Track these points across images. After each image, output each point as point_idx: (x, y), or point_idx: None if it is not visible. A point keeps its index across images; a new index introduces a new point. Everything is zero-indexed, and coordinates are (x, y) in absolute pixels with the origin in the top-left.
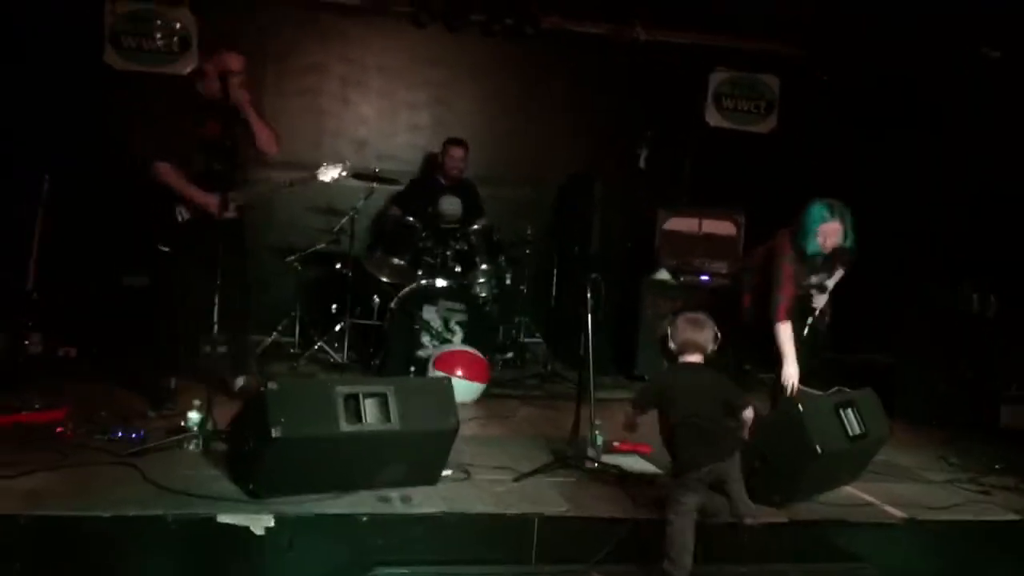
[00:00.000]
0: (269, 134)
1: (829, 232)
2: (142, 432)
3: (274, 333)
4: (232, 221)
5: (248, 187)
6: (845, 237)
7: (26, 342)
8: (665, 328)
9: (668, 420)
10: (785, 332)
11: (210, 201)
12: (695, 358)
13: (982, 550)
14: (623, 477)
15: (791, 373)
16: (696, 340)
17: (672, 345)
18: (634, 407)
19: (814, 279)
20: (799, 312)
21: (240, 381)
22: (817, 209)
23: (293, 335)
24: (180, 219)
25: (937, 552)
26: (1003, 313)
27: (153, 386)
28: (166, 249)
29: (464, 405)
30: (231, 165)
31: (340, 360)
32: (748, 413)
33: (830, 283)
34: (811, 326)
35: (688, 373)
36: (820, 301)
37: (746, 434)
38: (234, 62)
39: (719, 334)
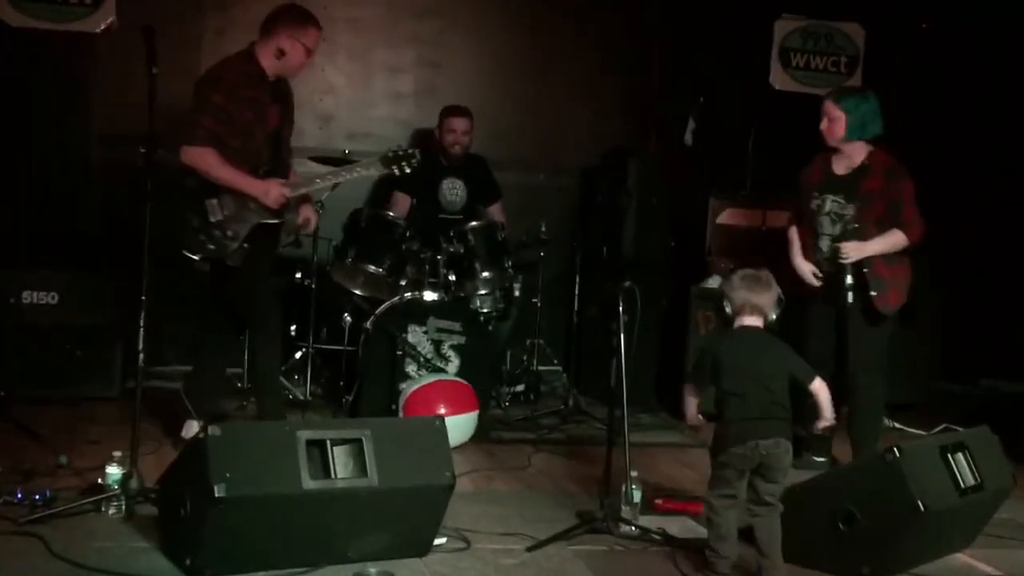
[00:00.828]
0: None
1: (825, 113)
2: (48, 492)
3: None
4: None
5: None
6: (850, 128)
7: None
8: (722, 286)
9: (717, 392)
10: (791, 233)
11: (271, 190)
12: (754, 321)
13: None
14: (668, 544)
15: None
16: (755, 301)
17: (727, 306)
18: (690, 385)
19: (828, 200)
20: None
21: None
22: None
23: (241, 365)
24: (213, 219)
25: None
26: None
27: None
28: (194, 257)
29: (458, 450)
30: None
31: (302, 396)
32: (818, 386)
33: (850, 212)
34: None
35: (744, 338)
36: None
37: (821, 420)
38: (316, 39)
39: (783, 297)
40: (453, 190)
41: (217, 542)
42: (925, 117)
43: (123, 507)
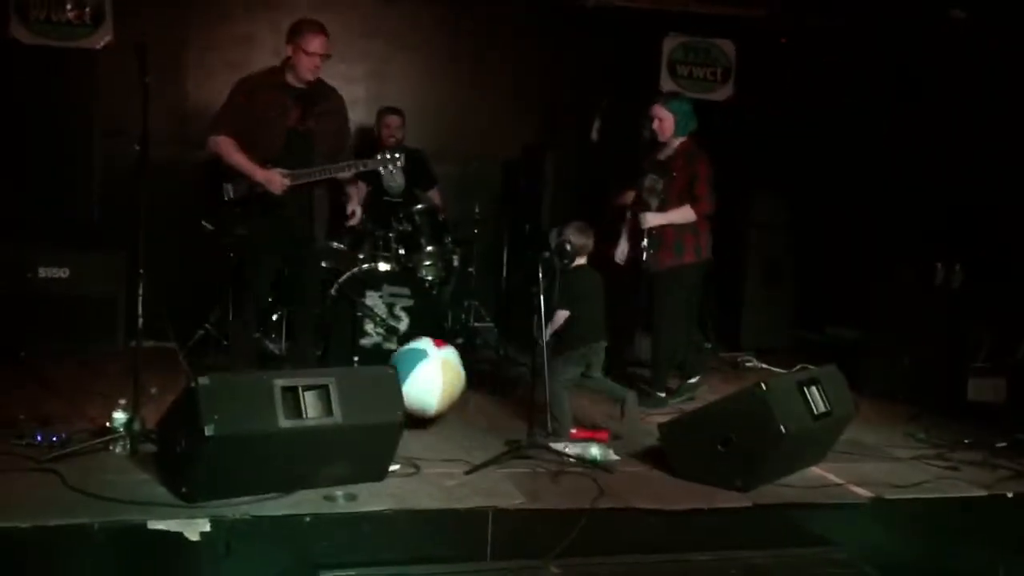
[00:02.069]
0: None
1: (654, 115)
2: (64, 435)
3: (205, 326)
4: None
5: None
6: (677, 126)
7: None
8: (565, 233)
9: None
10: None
11: (272, 177)
12: (584, 260)
13: (951, 527)
14: (580, 464)
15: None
16: (587, 244)
17: (570, 249)
18: (562, 308)
19: (647, 180)
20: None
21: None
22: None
23: (225, 327)
24: (227, 198)
25: (906, 530)
26: (969, 284)
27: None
28: (210, 227)
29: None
30: (308, 155)
31: (278, 352)
32: None
33: (660, 186)
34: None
35: (586, 273)
36: (652, 217)
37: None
38: (322, 45)
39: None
40: (392, 177)
41: (207, 473)
42: (785, 113)
43: (128, 446)
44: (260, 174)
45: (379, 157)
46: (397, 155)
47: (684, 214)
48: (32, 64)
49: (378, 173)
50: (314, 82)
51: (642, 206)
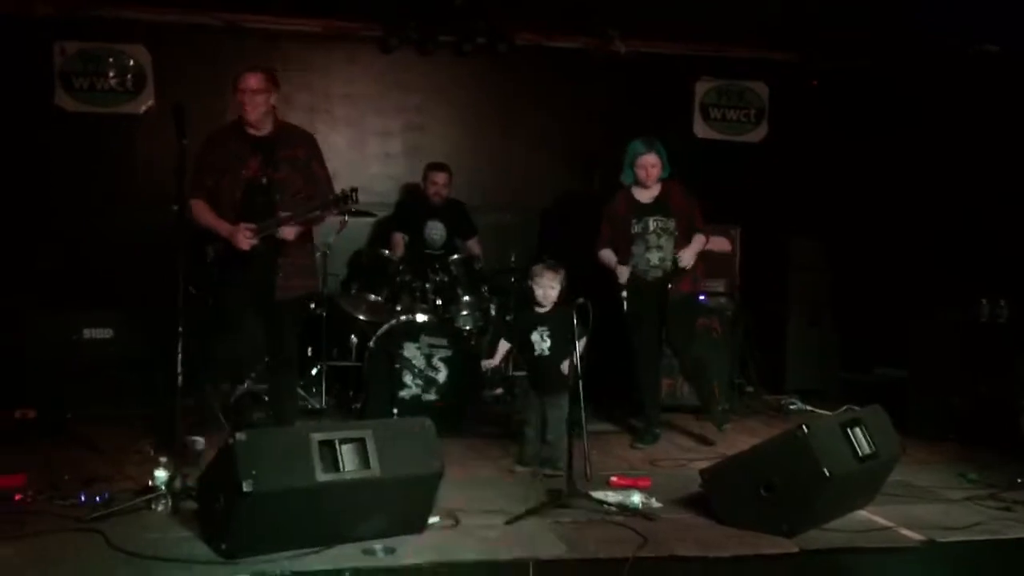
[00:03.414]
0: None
1: (646, 163)
2: (106, 495)
3: (247, 381)
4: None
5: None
6: (664, 169)
7: None
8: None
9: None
10: (603, 255)
11: (237, 234)
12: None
13: (1007, 569)
14: (622, 512)
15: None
16: (541, 281)
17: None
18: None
19: (651, 222)
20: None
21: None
22: (634, 144)
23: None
24: (208, 258)
25: (960, 574)
26: (1016, 319)
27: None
28: (194, 291)
29: (447, 445)
30: (269, 207)
31: (318, 406)
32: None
33: (672, 226)
34: (667, 272)
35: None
36: (666, 244)
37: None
38: (247, 80)
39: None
40: (435, 230)
41: (246, 529)
42: (820, 154)
43: (169, 504)
44: (224, 229)
45: (333, 198)
46: (350, 189)
47: (702, 241)
48: (77, 131)
49: (421, 226)
50: (276, 129)
51: (644, 244)
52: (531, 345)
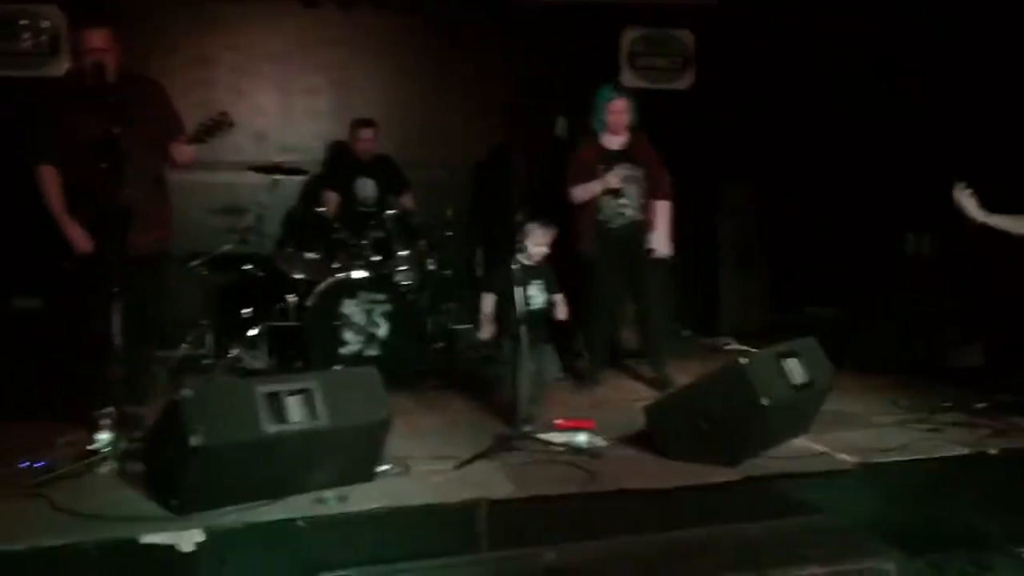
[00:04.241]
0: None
1: (617, 109)
2: (49, 460)
3: (184, 346)
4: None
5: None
6: (632, 115)
7: None
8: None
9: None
10: (577, 191)
11: (75, 235)
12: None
13: (937, 487)
14: (569, 454)
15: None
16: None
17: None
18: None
19: (619, 169)
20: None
21: (139, 412)
22: (605, 90)
23: (205, 346)
24: (67, 270)
25: (894, 494)
26: (941, 252)
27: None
28: (68, 266)
29: (394, 398)
30: (118, 163)
31: (260, 366)
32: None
33: (640, 174)
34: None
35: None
36: (633, 193)
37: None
38: (93, 38)
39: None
40: (365, 186)
41: (196, 484)
42: (746, 99)
43: (114, 465)
44: (65, 226)
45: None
46: (218, 115)
47: (669, 213)
48: None
49: (351, 183)
50: (120, 80)
51: (616, 194)
52: (529, 298)
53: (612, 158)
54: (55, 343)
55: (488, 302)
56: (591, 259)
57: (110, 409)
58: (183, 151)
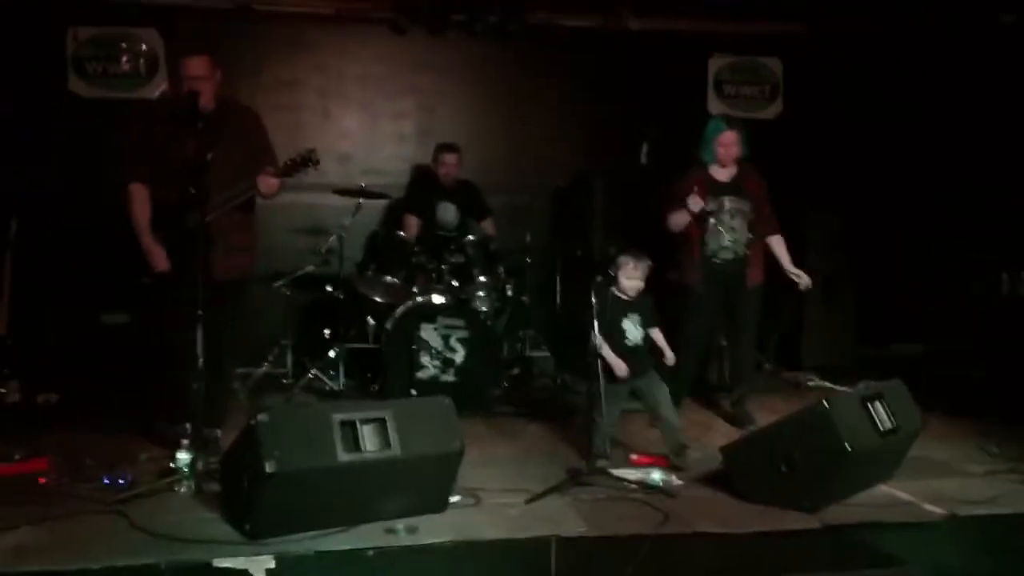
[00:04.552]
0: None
1: (727, 142)
2: (129, 477)
3: (264, 364)
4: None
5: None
6: (743, 147)
7: (3, 390)
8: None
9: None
10: (673, 217)
11: (155, 254)
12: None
13: None
14: (643, 491)
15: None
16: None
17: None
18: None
19: (727, 201)
20: (716, 234)
21: (215, 434)
22: (715, 121)
23: (285, 365)
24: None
25: (982, 548)
26: None
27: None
28: (147, 281)
29: (466, 425)
30: (207, 186)
31: (336, 388)
32: None
33: (748, 208)
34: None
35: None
36: (739, 226)
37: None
38: (192, 67)
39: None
40: (447, 211)
41: (270, 510)
42: (836, 129)
43: (192, 486)
44: (144, 243)
45: (287, 163)
46: (307, 151)
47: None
48: (91, 116)
49: (433, 208)
50: (217, 105)
51: (717, 228)
52: (623, 332)
53: (720, 190)
54: (140, 359)
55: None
56: (695, 291)
57: (189, 429)
58: (270, 184)
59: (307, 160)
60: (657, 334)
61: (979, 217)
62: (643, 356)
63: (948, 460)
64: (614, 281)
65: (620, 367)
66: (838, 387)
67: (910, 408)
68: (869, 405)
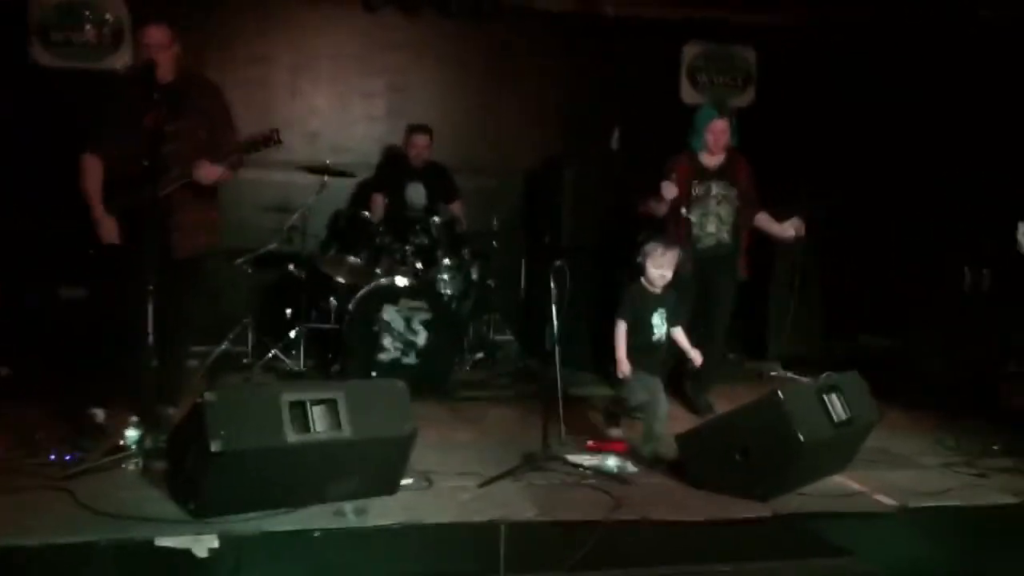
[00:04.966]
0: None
1: (716, 129)
2: (77, 454)
3: (224, 343)
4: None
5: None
6: (733, 135)
7: None
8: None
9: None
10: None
11: (104, 225)
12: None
13: (979, 536)
14: (595, 476)
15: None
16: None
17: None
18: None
19: (714, 186)
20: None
21: (168, 412)
22: (706, 108)
23: (246, 344)
24: (91, 256)
25: (931, 540)
26: (998, 288)
27: (78, 418)
28: (93, 253)
29: (426, 406)
30: (164, 159)
31: (297, 368)
32: None
33: (733, 194)
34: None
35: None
36: (725, 213)
37: None
38: (150, 34)
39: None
40: (416, 192)
41: (215, 489)
42: (808, 119)
43: (140, 463)
44: (95, 212)
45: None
46: (270, 132)
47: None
48: (54, 87)
49: (401, 188)
50: (179, 78)
51: (703, 209)
52: (651, 328)
53: (707, 175)
54: (97, 335)
55: (622, 332)
56: (683, 277)
57: (139, 406)
58: (208, 171)
59: (268, 139)
60: (680, 334)
61: (944, 212)
62: (663, 356)
63: (905, 453)
64: (641, 272)
65: (623, 367)
66: (800, 378)
67: (866, 400)
68: (824, 396)
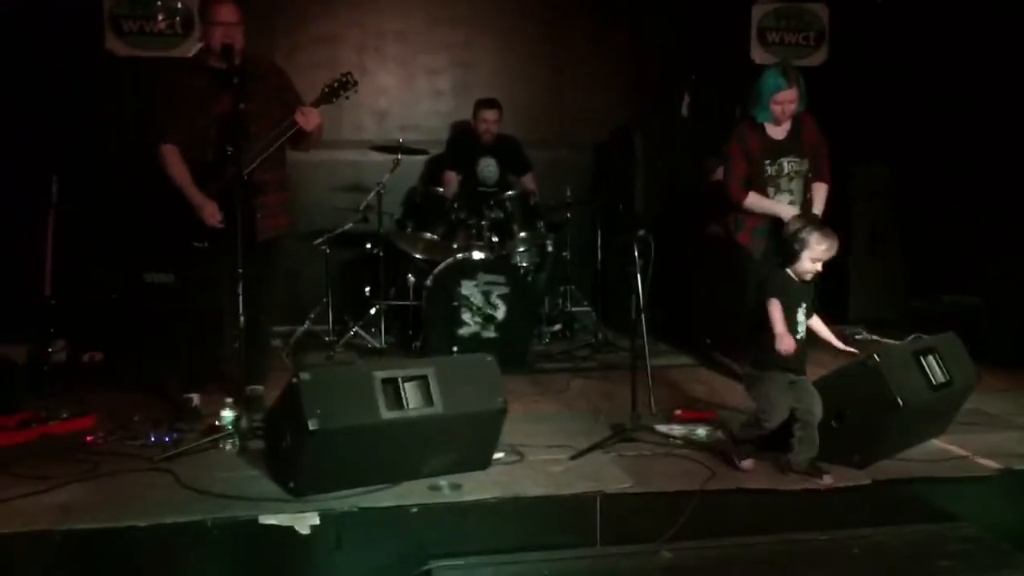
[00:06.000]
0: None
1: (784, 100)
2: (175, 435)
3: (306, 322)
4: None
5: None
6: (801, 101)
7: (49, 350)
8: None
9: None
10: (753, 200)
11: (207, 208)
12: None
13: None
14: (686, 446)
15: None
16: (816, 250)
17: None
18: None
19: (786, 164)
20: (776, 196)
21: (259, 391)
22: (772, 76)
23: (327, 323)
24: (200, 248)
25: None
26: None
27: (176, 403)
28: (200, 245)
29: (508, 381)
30: (245, 140)
31: (378, 345)
32: None
33: (804, 168)
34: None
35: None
36: (797, 188)
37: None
38: (223, 12)
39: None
40: (487, 167)
41: (313, 467)
42: (883, 77)
43: (237, 444)
44: (195, 199)
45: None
46: (343, 76)
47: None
48: (128, 76)
49: (473, 164)
50: (243, 60)
51: (776, 188)
52: (796, 324)
53: (778, 151)
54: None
55: (777, 308)
56: (751, 256)
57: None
58: (310, 117)
59: (344, 83)
60: (819, 324)
61: None
62: (804, 353)
63: (1002, 414)
64: (792, 260)
65: (788, 343)
66: (886, 340)
67: (965, 362)
68: (921, 358)
